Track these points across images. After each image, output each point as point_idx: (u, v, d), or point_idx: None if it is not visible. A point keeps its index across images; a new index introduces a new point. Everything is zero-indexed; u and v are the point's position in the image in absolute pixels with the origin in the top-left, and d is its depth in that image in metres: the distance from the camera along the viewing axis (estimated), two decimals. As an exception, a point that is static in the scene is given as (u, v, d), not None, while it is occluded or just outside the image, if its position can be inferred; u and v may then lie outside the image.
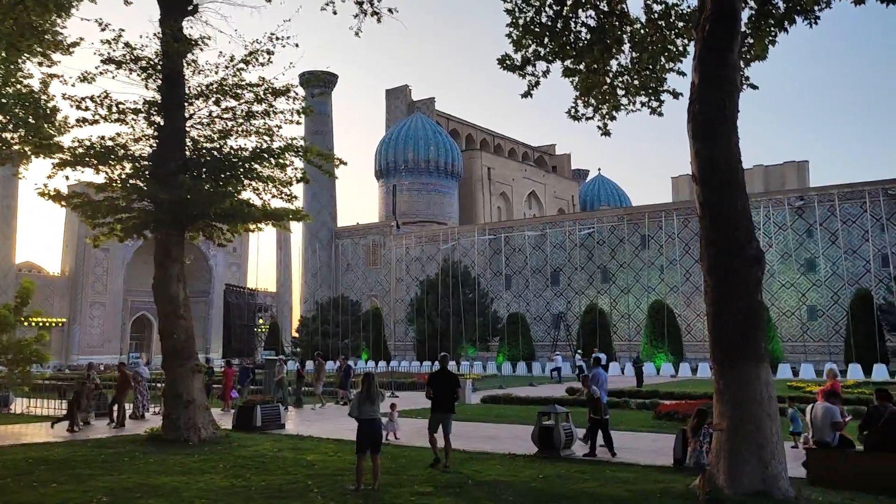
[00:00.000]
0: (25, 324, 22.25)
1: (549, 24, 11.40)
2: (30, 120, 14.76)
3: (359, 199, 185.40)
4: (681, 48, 11.76)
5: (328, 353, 43.84)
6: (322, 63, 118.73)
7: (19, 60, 14.33)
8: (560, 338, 50.66)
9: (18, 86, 14.85)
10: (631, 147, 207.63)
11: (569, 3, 11.28)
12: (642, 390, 23.35)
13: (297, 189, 78.28)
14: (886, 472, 9.05)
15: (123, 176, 15.08)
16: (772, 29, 10.52)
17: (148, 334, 65.77)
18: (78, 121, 14.39)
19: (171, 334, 14.65)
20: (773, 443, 8.54)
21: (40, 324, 52.11)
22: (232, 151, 15.38)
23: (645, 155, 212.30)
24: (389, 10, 12.25)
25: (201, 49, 14.71)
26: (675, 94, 12.05)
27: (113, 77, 14.57)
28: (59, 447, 13.59)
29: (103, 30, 13.91)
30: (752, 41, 10.87)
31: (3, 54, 13.60)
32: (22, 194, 55.50)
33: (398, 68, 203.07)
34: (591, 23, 11.50)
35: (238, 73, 14.90)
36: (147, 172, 14.99)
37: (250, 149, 15.29)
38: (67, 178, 14.66)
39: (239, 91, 14.97)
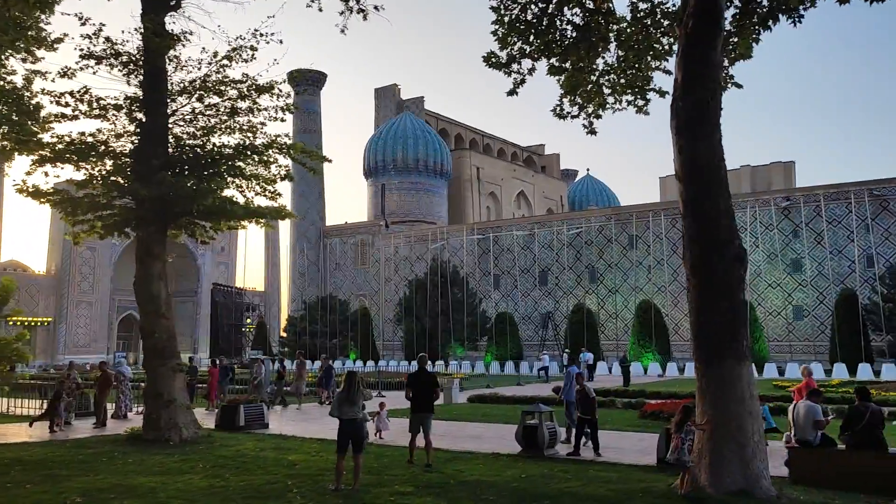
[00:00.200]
0: (11, 323, 21.96)
1: (535, 21, 11.34)
2: (13, 117, 14.54)
3: (348, 199, 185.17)
4: (667, 47, 11.74)
5: (316, 354, 43.63)
6: (312, 62, 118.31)
7: (2, 57, 14.10)
8: (548, 337, 50.72)
9: (1, 82, 14.63)
10: (619, 147, 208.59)
11: (554, 0, 11.23)
12: (629, 390, 23.39)
13: (286, 188, 77.42)
14: (868, 471, 9.05)
15: (104, 173, 14.89)
16: (756, 27, 10.50)
17: (135, 334, 65.11)
18: (57, 116, 14.18)
19: (153, 333, 14.48)
20: (754, 442, 8.52)
21: (25, 323, 51.68)
22: (215, 148, 15.22)
23: (633, 155, 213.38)
24: (375, 8, 12.15)
25: (184, 45, 14.56)
26: (662, 93, 12.03)
27: (94, 73, 14.38)
28: (36, 447, 13.40)
29: (83, 24, 13.71)
30: (736, 40, 10.86)
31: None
32: (7, 192, 54.84)
33: (388, 67, 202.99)
34: (577, 20, 11.46)
35: (221, 70, 14.76)
36: (129, 169, 14.80)
37: (233, 145, 15.14)
38: (47, 174, 14.45)
39: (222, 87, 14.83)
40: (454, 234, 59.96)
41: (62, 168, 14.61)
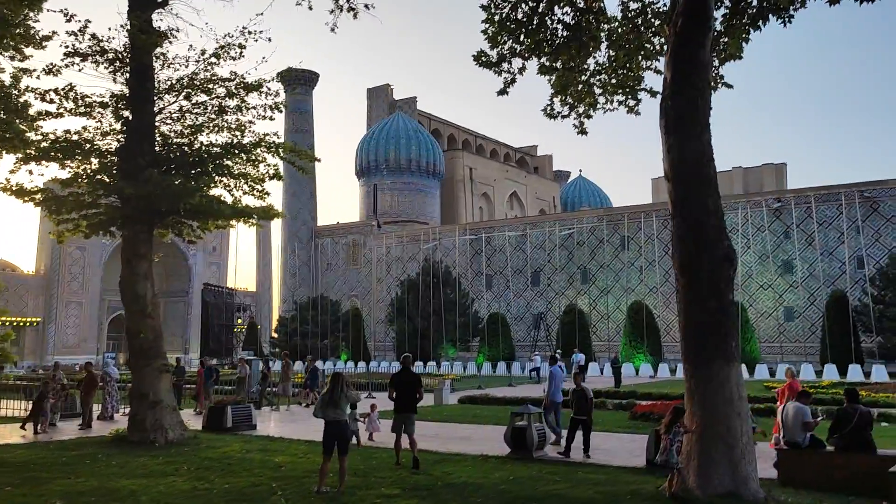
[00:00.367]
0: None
1: (525, 20, 11.25)
2: (1, 115, 14.34)
3: (340, 199, 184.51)
4: (657, 46, 11.68)
5: (307, 354, 43.42)
6: (304, 62, 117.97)
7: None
8: (540, 338, 50.70)
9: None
10: (612, 149, 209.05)
11: (544, -1, 11.15)
12: (620, 391, 23.33)
13: (277, 187, 77.04)
14: (857, 473, 9.01)
15: (90, 171, 14.71)
16: (745, 27, 10.46)
17: (125, 334, 64.70)
18: (41, 113, 13.99)
19: (139, 333, 14.32)
20: (742, 443, 8.46)
21: (13, 323, 51.22)
22: (203, 147, 15.07)
23: (626, 157, 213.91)
24: (366, 6, 12.05)
25: (171, 42, 14.42)
26: (653, 93, 11.97)
27: (79, 70, 14.21)
28: (20, 449, 13.22)
29: (69, 20, 13.53)
30: (726, 40, 10.82)
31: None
32: (-5, 191, 54.09)
33: (380, 67, 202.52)
34: (568, 20, 11.37)
35: (209, 68, 14.61)
36: (115, 168, 14.63)
37: (221, 144, 14.99)
38: (31, 172, 14.26)
39: (210, 85, 14.68)
40: (446, 235, 59.88)
41: (47, 166, 14.44)
